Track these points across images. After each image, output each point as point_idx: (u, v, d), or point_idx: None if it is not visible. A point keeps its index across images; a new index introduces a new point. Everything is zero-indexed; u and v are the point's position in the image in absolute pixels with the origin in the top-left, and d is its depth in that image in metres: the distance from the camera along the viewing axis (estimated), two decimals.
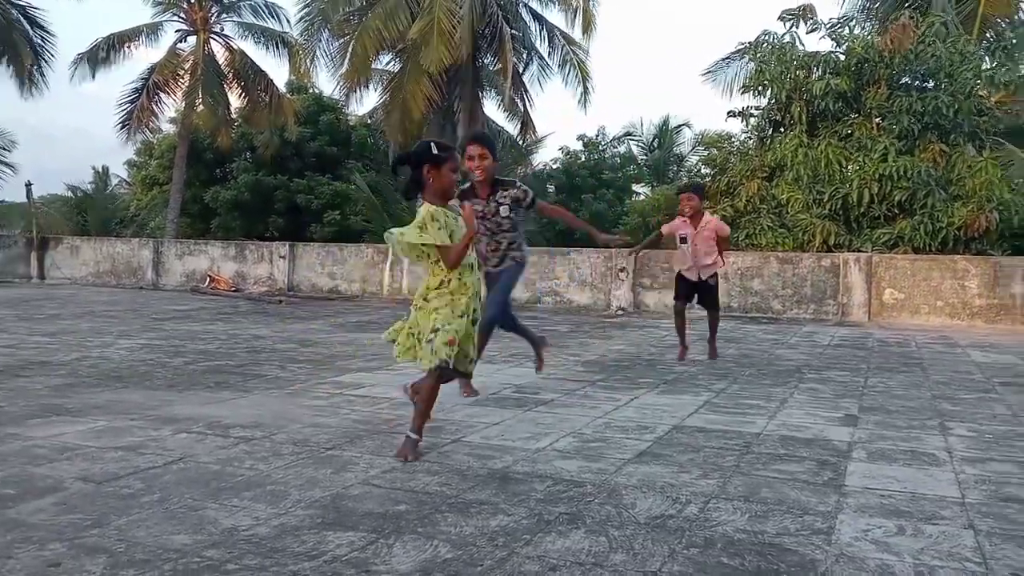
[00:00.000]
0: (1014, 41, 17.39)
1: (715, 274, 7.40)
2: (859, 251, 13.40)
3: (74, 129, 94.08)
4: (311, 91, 26.60)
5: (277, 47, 24.16)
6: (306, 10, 21.27)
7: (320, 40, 21.53)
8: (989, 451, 4.14)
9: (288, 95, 24.51)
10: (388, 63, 22.66)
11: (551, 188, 32.28)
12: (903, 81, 15.34)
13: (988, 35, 18.38)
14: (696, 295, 7.46)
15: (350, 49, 20.11)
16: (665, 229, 7.58)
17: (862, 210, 14.30)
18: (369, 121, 27.04)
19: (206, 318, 10.89)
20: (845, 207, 14.45)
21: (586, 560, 2.52)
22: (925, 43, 14.86)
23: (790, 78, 15.43)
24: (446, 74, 19.66)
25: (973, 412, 5.21)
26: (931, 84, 15.21)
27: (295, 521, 2.82)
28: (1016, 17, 19.21)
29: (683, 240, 7.26)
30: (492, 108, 24.05)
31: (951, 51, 14.80)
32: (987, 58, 16.39)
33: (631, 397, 5.50)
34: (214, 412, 4.67)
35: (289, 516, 2.87)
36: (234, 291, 15.86)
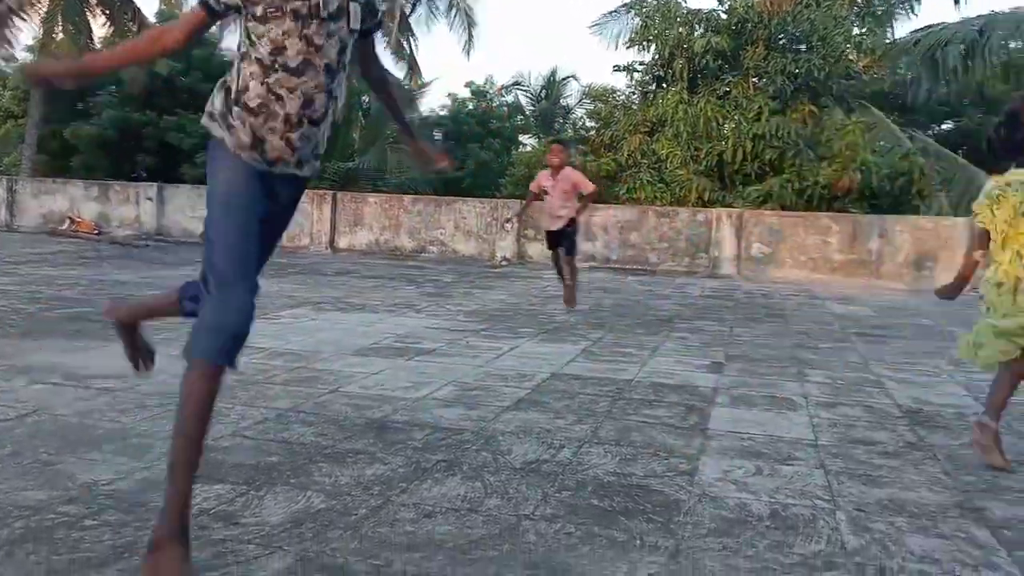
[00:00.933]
0: (882, 8, 18.33)
1: (572, 220, 7.52)
2: (731, 207, 13.96)
3: None
4: None
5: None
6: None
7: None
8: (840, 396, 4.45)
9: (158, 25, 22.97)
10: None
11: (438, 135, 31.89)
12: (780, 42, 15.92)
13: (859, 1, 19.27)
14: (560, 244, 7.63)
15: None
16: (534, 186, 7.80)
17: (736, 167, 14.87)
18: None
19: (65, 262, 10.21)
20: (720, 164, 14.98)
21: (461, 506, 2.55)
22: (802, 5, 15.43)
23: (674, 35, 15.73)
24: None
25: (829, 360, 5.57)
26: (805, 47, 15.87)
27: (159, 475, 2.70)
28: None
29: (545, 192, 7.53)
30: (378, 49, 23.37)
31: (825, 15, 15.44)
32: (857, 24, 17.19)
33: (512, 346, 5.57)
34: (73, 361, 4.40)
35: (154, 470, 2.75)
36: (96, 234, 14.92)
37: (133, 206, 15.53)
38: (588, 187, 7.53)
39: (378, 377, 4.38)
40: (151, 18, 22.93)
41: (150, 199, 15.39)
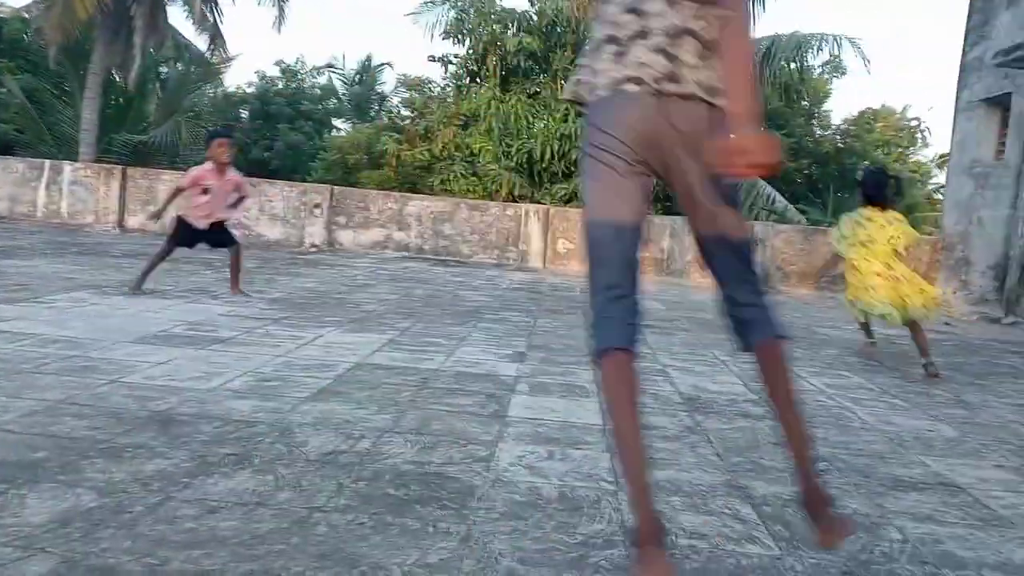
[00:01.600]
0: None
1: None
2: (540, 203, 14.44)
3: None
4: None
5: None
6: None
7: None
8: None
9: None
10: None
11: (244, 113, 30.42)
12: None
13: None
14: (204, 242, 7.17)
15: None
16: (188, 181, 7.08)
17: (544, 165, 15.39)
18: (26, 16, 23.21)
19: None
20: (530, 161, 15.44)
21: (250, 500, 2.45)
22: None
23: (488, 30, 15.99)
24: None
25: None
26: None
27: None
28: None
29: (206, 191, 6.97)
30: (179, 17, 21.93)
31: None
32: None
33: (316, 335, 5.43)
34: None
35: None
36: None
37: None
38: (249, 192, 7.51)
39: (165, 367, 4.12)
40: None
41: None
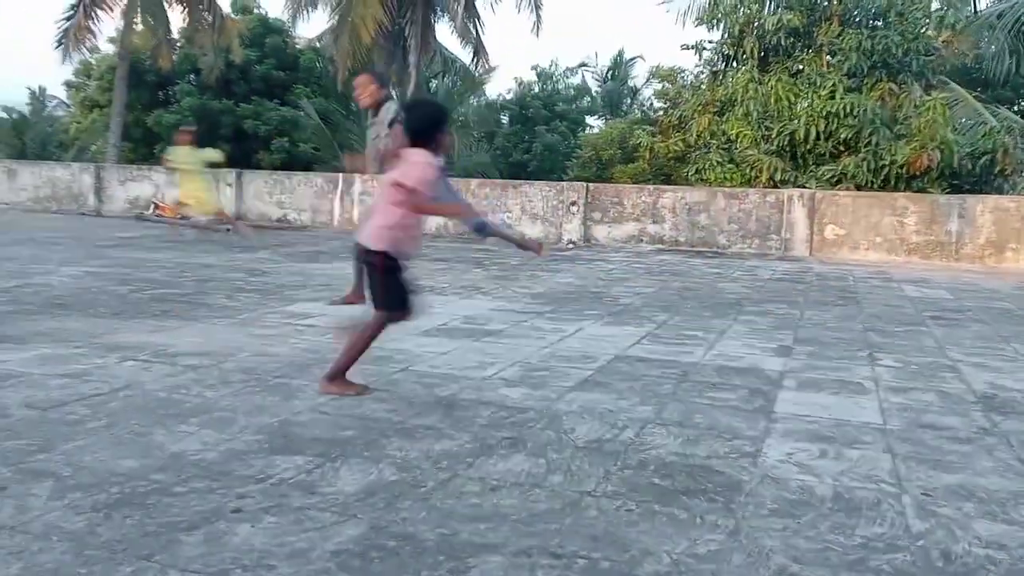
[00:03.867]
0: None
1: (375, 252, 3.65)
2: (804, 187, 13.66)
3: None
4: (256, 12, 25.65)
5: None
6: None
7: None
8: (913, 381, 4.37)
9: (232, 16, 23.60)
10: None
11: (504, 118, 31.98)
12: (855, 18, 15.42)
13: None
14: None
15: None
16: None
17: (808, 147, 14.53)
18: (317, 45, 26.29)
19: (151, 246, 10.68)
20: (792, 143, 14.65)
21: (525, 481, 2.63)
22: None
23: (744, 11, 15.40)
24: None
25: (902, 344, 5.46)
26: (881, 23, 15.33)
27: (242, 446, 2.88)
28: None
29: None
30: (445, 33, 23.58)
31: None
32: None
33: (576, 328, 5.62)
34: (161, 340, 4.65)
35: (237, 441, 2.92)
36: (180, 219, 15.52)
37: (212, 192, 16.06)
38: (422, 178, 3.81)
39: (446, 357, 4.51)
40: (226, 8, 23.55)
41: (229, 185, 15.90)
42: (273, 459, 2.75)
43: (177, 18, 23.06)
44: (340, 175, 15.55)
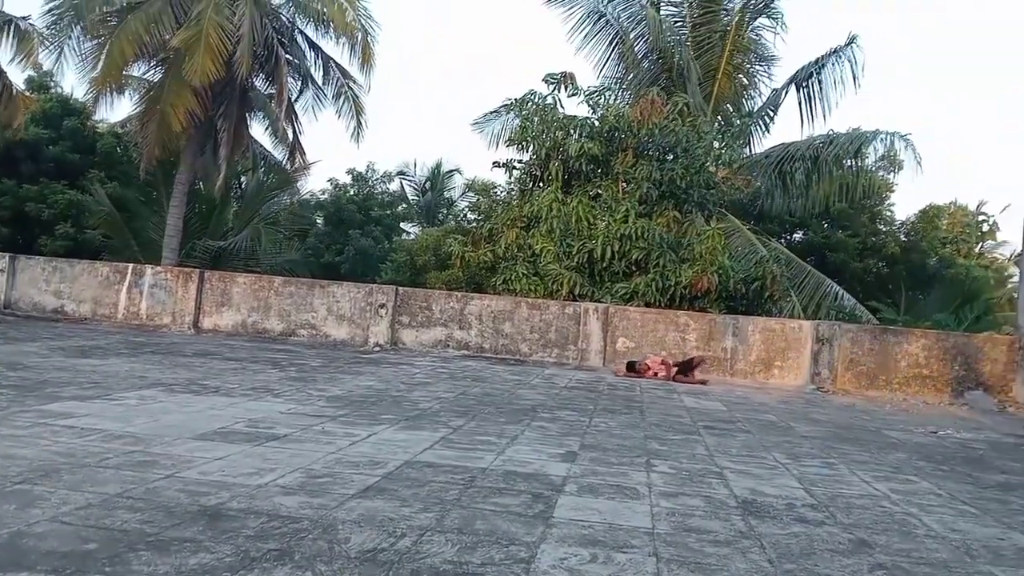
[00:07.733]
0: (738, 127, 19.97)
1: None
2: (599, 302, 14.47)
3: None
4: (55, 91, 24.17)
5: (10, 33, 21.64)
6: (55, 1, 19.36)
7: (71, 37, 19.65)
8: (683, 487, 4.62)
9: (27, 92, 22.03)
10: (148, 72, 21.16)
11: (319, 219, 31.69)
12: (648, 151, 16.97)
13: (719, 119, 20.89)
14: None
15: (105, 51, 18.57)
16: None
17: (604, 265, 15.49)
18: (121, 131, 25.05)
19: None
20: (591, 261, 15.58)
21: None
22: (669, 119, 16.59)
23: (550, 137, 16.51)
24: (211, 89, 18.74)
25: (676, 451, 5.79)
26: (671, 157, 16.97)
27: None
28: (742, 105, 22.01)
29: None
30: (259, 130, 23.24)
31: (689, 129, 16.66)
32: (718, 138, 18.60)
33: (369, 433, 5.50)
34: None
35: None
36: None
37: None
38: None
39: (221, 463, 4.22)
40: (20, 84, 21.99)
41: (1, 270, 14.44)
42: None
43: None
44: (130, 265, 14.60)
